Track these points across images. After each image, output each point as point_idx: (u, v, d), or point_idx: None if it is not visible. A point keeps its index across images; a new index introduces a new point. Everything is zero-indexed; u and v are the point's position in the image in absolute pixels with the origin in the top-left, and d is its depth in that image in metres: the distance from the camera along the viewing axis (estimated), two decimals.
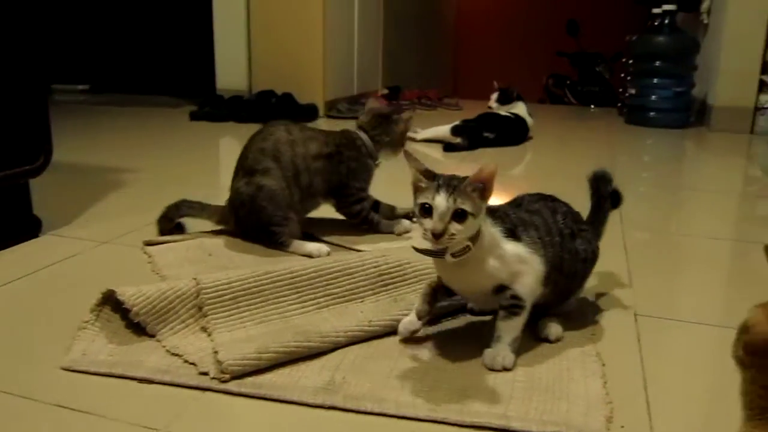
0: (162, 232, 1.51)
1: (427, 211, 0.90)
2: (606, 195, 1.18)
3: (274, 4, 3.65)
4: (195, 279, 1.08)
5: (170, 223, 1.51)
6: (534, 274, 0.97)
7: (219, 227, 1.53)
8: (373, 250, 1.26)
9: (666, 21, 3.71)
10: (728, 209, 2.09)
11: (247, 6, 3.73)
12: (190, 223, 1.55)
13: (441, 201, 0.88)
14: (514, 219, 0.99)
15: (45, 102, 1.54)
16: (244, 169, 1.45)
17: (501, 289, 0.96)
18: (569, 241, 1.03)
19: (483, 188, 0.91)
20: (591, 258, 1.07)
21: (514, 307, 0.96)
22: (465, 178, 0.91)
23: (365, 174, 1.54)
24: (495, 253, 0.95)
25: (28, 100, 1.50)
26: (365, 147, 1.53)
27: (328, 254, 1.39)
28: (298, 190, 1.46)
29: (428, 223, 0.89)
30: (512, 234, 0.97)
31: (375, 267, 1.15)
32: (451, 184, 0.90)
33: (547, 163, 2.78)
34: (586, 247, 1.05)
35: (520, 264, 0.96)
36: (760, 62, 3.49)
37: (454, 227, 0.89)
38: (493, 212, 0.98)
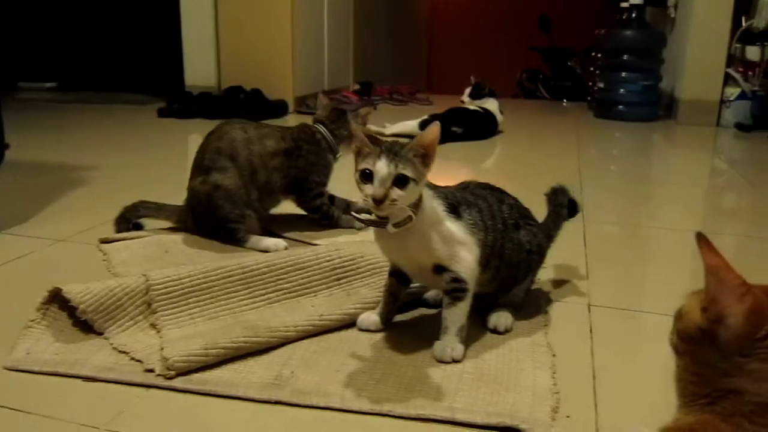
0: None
1: (367, 177, 0.89)
2: (563, 203, 1.20)
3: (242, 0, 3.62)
4: (144, 275, 1.07)
5: (127, 225, 1.49)
6: (473, 256, 0.97)
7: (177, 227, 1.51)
8: (328, 244, 1.25)
9: (633, 15, 3.74)
10: (694, 201, 2.11)
11: (215, 2, 3.69)
12: (149, 223, 1.53)
13: (382, 166, 0.88)
14: (459, 198, 0.99)
15: None
16: (200, 168, 1.44)
17: (440, 269, 0.96)
18: (513, 231, 1.03)
19: (425, 154, 0.91)
20: (536, 251, 1.07)
21: (456, 291, 0.96)
22: (407, 143, 0.91)
23: (325, 168, 1.53)
24: (436, 228, 0.95)
25: None
26: (325, 141, 1.52)
27: (286, 249, 1.38)
28: (255, 189, 1.44)
29: (369, 188, 0.88)
30: (454, 211, 0.97)
31: (328, 261, 1.14)
32: (393, 150, 0.89)
33: (516, 157, 2.79)
34: (531, 239, 1.05)
35: (459, 245, 0.96)
36: (726, 55, 3.54)
37: (396, 193, 0.88)
38: (437, 188, 0.98)
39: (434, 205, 0.95)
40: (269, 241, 1.41)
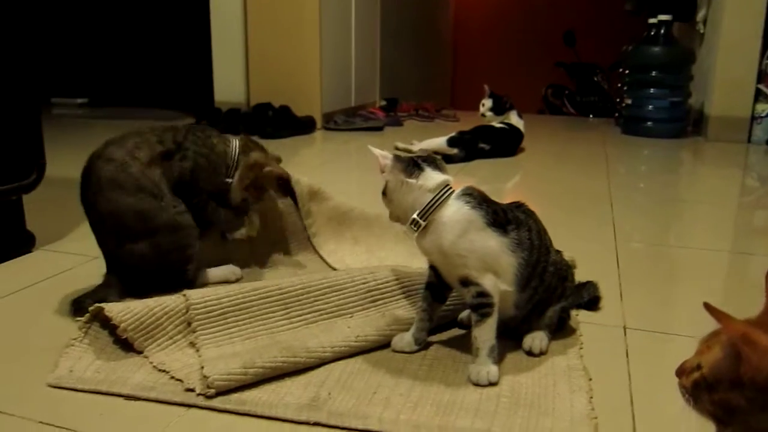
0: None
1: None
2: (587, 294, 1.25)
3: (271, 18, 3.67)
4: (184, 295, 1.08)
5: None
6: (508, 271, 0.98)
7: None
8: (362, 267, 1.26)
9: (662, 31, 3.72)
10: (725, 220, 2.08)
11: (245, 20, 3.75)
12: None
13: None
14: (510, 216, 1.00)
15: (38, 117, 1.55)
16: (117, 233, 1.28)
17: (466, 283, 0.97)
18: (554, 255, 1.04)
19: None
20: (566, 277, 1.08)
21: (482, 306, 0.96)
22: None
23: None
24: (467, 236, 0.96)
25: (20, 116, 1.51)
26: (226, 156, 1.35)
27: (241, 275, 1.36)
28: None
29: None
30: (500, 226, 0.97)
31: (364, 283, 1.15)
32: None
33: (543, 174, 2.78)
34: (561, 265, 1.06)
35: (494, 259, 0.97)
36: (756, 71, 3.50)
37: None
38: (488, 202, 1.00)
39: (468, 213, 0.96)
40: (226, 270, 1.35)
